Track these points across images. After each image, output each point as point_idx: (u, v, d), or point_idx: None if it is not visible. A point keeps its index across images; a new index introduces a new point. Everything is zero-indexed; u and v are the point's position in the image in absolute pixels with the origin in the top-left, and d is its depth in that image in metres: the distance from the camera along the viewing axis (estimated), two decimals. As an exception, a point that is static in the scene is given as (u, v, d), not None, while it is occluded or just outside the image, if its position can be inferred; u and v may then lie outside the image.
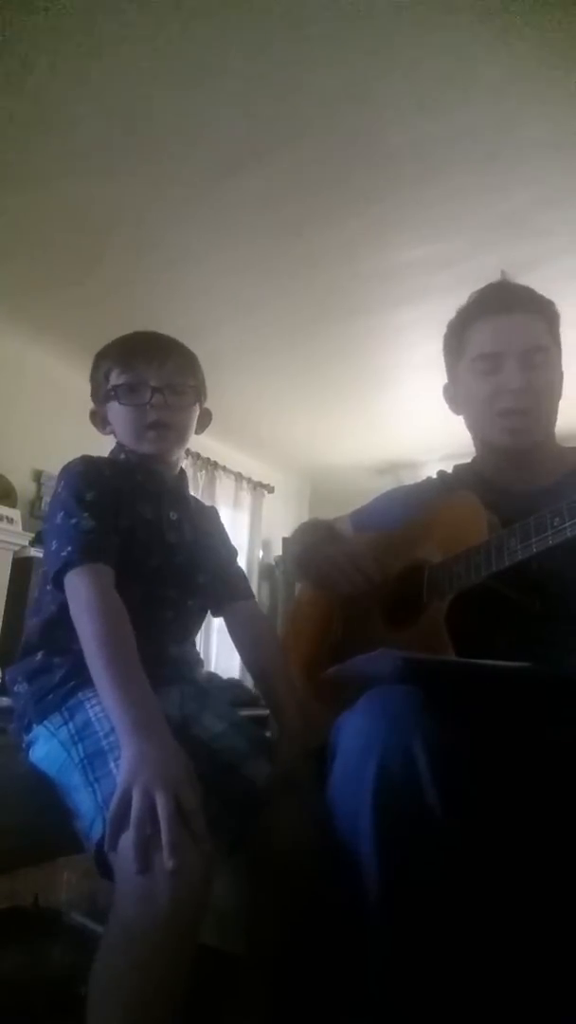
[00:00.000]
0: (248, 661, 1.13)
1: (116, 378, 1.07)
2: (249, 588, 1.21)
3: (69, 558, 0.91)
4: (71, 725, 0.88)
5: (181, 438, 1.11)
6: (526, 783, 0.82)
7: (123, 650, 0.86)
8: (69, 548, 0.92)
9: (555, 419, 1.17)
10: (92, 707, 0.88)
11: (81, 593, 0.90)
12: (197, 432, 1.16)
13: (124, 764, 0.77)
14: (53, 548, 0.94)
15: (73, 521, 0.94)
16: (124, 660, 0.85)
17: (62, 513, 0.97)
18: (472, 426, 1.21)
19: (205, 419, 1.17)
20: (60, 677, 0.94)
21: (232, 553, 1.21)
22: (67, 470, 1.02)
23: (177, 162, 2.35)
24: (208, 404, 1.17)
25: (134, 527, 1.01)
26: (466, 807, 0.75)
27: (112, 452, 1.12)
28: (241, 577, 1.20)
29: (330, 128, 2.19)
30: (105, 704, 0.84)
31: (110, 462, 1.09)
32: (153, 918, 0.69)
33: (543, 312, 1.15)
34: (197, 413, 1.14)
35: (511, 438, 1.12)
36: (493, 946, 0.75)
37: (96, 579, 0.91)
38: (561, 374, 1.18)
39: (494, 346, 1.12)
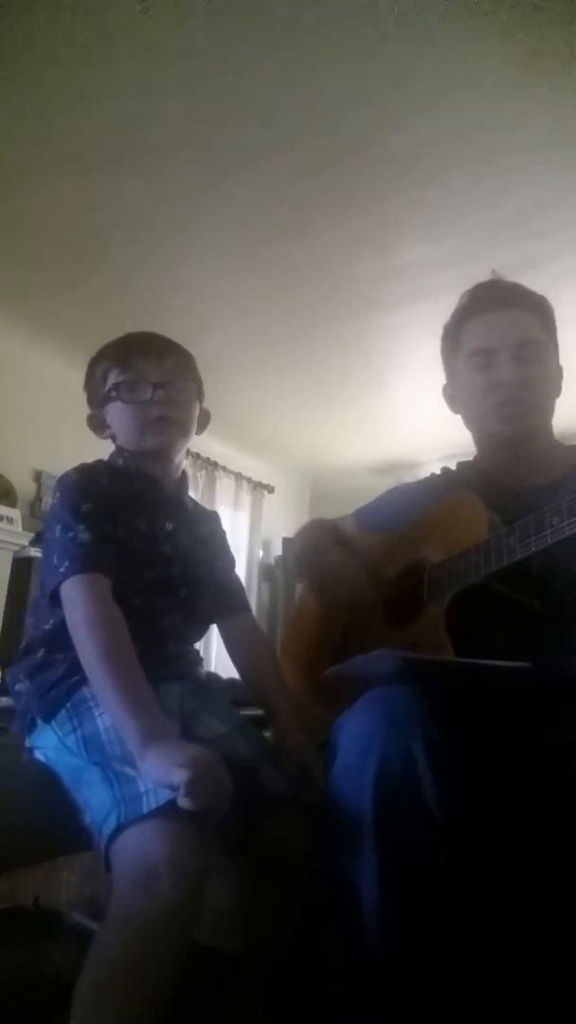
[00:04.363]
0: (244, 673, 1.13)
1: (116, 377, 1.06)
2: (246, 601, 1.20)
3: (67, 572, 0.91)
4: (79, 734, 0.88)
5: (185, 432, 1.10)
6: (526, 783, 0.82)
7: (123, 659, 0.86)
8: (67, 563, 0.92)
9: (551, 414, 1.19)
10: (100, 716, 0.87)
11: (78, 603, 0.89)
12: (197, 432, 1.15)
13: (151, 771, 0.76)
14: (54, 563, 0.94)
15: (70, 535, 0.94)
16: (125, 670, 0.85)
17: (59, 527, 0.96)
18: (470, 421, 1.23)
19: (204, 419, 1.16)
20: (63, 671, 0.93)
21: (230, 564, 1.19)
22: (63, 481, 1.01)
23: (178, 163, 2.35)
24: (208, 404, 1.16)
25: (131, 538, 1.00)
26: (466, 807, 0.75)
27: (111, 457, 1.11)
28: (239, 589, 1.19)
29: (330, 130, 2.19)
30: (111, 715, 0.84)
31: (107, 469, 1.07)
32: (154, 906, 0.69)
33: (534, 307, 1.17)
34: (198, 410, 1.13)
35: (508, 426, 1.14)
36: (492, 946, 0.75)
37: (93, 589, 0.90)
38: (560, 369, 1.19)
39: (487, 342, 1.15)
